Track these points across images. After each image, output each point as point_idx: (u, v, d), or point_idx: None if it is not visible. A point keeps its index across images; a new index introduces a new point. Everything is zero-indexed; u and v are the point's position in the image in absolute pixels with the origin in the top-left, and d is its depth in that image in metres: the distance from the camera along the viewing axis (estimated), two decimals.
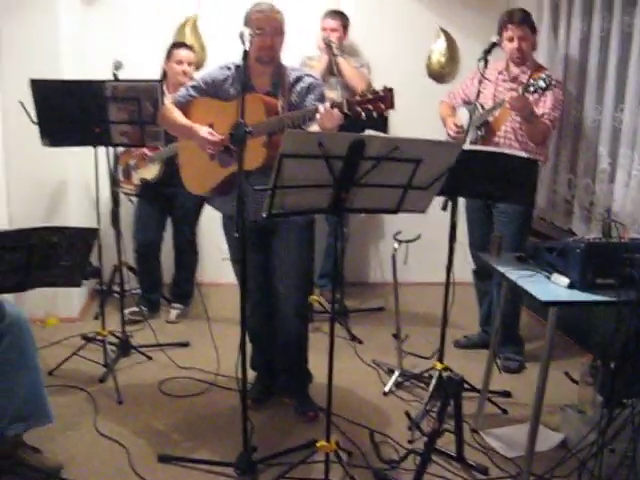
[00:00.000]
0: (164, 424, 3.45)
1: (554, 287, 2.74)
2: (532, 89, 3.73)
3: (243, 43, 2.82)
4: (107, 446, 3.22)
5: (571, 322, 4.51)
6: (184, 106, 3.34)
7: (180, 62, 4.68)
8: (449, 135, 4.22)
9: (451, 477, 3.00)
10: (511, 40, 4.03)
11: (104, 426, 3.39)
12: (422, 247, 4.33)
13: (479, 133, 4.10)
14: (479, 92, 3.85)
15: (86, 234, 2.73)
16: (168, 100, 3.61)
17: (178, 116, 3.30)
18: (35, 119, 3.75)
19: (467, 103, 4.25)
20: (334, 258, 2.99)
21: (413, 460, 3.04)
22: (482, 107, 4.09)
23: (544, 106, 3.95)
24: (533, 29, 4.09)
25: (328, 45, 4.93)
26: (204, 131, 3.16)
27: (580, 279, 2.67)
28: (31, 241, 2.52)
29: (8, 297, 3.05)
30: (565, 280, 2.71)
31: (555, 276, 2.78)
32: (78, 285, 2.86)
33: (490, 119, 4.07)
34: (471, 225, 4.31)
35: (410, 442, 3.26)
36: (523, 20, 4.01)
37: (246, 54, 2.82)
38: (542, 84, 3.70)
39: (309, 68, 4.77)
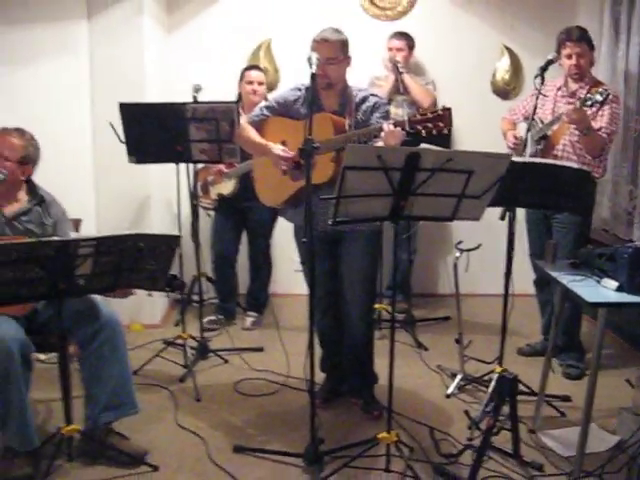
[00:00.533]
0: (239, 419, 3.71)
1: (603, 290, 2.90)
2: (589, 103, 3.86)
3: (310, 67, 3.05)
4: (186, 437, 3.49)
5: (633, 329, 4.62)
6: (258, 125, 3.61)
7: (251, 82, 4.99)
8: (508, 147, 4.37)
9: (507, 473, 3.13)
10: (569, 57, 4.18)
11: (184, 420, 3.67)
12: (484, 258, 4.53)
13: (538, 147, 4.24)
14: (535, 107, 4.02)
15: (169, 240, 3.01)
16: (243, 119, 3.88)
17: (253, 134, 3.57)
18: (123, 139, 4.09)
19: (527, 119, 4.39)
20: (402, 269, 3.19)
21: (471, 456, 3.19)
22: (541, 122, 4.25)
23: (601, 120, 4.07)
24: (591, 46, 4.23)
25: (395, 64, 5.16)
26: (277, 149, 3.42)
27: (628, 282, 2.82)
28: (122, 246, 2.82)
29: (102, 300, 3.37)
30: (614, 283, 2.87)
31: (605, 280, 2.94)
32: (162, 289, 3.15)
33: (549, 133, 4.21)
34: (531, 236, 4.45)
35: (469, 440, 3.43)
36: (581, 37, 4.16)
37: (314, 77, 3.05)
38: (599, 97, 3.82)
39: (377, 87, 5.02)
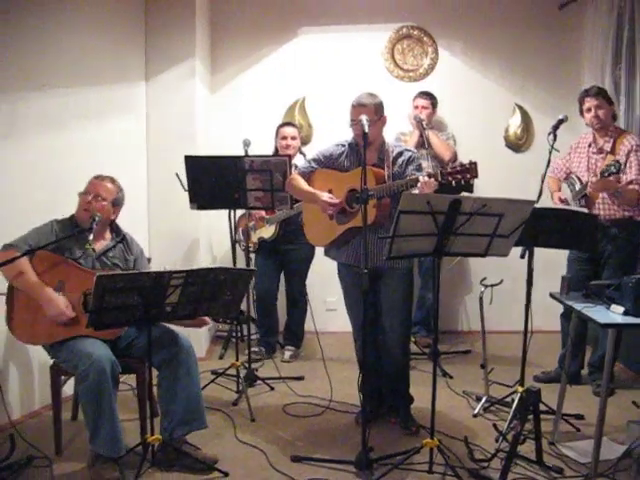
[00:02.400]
0: (291, 436, 4.17)
1: (612, 314, 3.40)
2: (606, 174, 4.33)
3: (362, 127, 3.56)
4: (248, 450, 3.95)
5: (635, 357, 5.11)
6: (307, 176, 4.15)
7: (285, 138, 5.54)
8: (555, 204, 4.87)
9: (532, 476, 3.59)
10: (589, 111, 4.70)
11: (243, 436, 4.13)
12: (503, 296, 5.01)
13: (581, 203, 4.71)
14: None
15: (245, 274, 3.53)
16: (294, 171, 4.42)
17: (303, 184, 4.10)
18: (186, 187, 4.63)
19: (568, 175, 4.91)
20: (428, 307, 3.64)
21: (500, 462, 3.64)
22: (578, 179, 4.75)
23: (631, 172, 4.51)
24: (609, 101, 4.73)
25: (419, 121, 5.72)
26: (325, 196, 3.94)
27: (633, 307, 3.31)
28: (206, 278, 3.32)
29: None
30: (621, 309, 3.37)
31: (613, 306, 3.44)
32: (235, 317, 3.65)
33: (588, 192, 4.65)
34: (570, 272, 4.78)
35: (497, 449, 3.88)
36: (598, 93, 4.69)
37: (365, 135, 3.54)
38: (613, 170, 4.29)
39: (402, 142, 5.55)
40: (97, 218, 3.74)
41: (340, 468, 3.68)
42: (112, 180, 3.94)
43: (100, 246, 3.91)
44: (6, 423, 3.86)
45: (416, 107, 5.89)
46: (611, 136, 4.70)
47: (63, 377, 3.96)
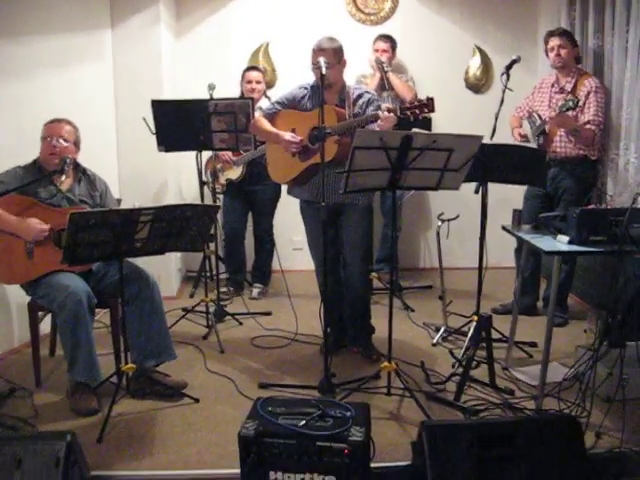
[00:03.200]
0: (259, 365, 4.40)
1: (558, 243, 3.62)
2: (565, 109, 4.52)
3: (319, 69, 3.70)
4: (217, 379, 4.17)
5: (587, 290, 5.38)
6: (271, 117, 4.30)
7: (250, 82, 5.68)
8: (515, 141, 5.05)
9: (484, 396, 3.83)
10: (552, 50, 4.88)
11: (212, 366, 4.35)
12: (463, 233, 5.23)
13: (539, 141, 4.90)
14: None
15: (210, 210, 3.70)
16: (257, 112, 4.57)
17: (267, 125, 4.26)
18: (153, 131, 4.76)
19: (530, 114, 5.06)
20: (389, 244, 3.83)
21: (455, 386, 3.87)
22: (539, 117, 4.92)
23: (589, 112, 4.73)
24: (573, 42, 4.89)
25: (380, 64, 5.85)
26: (287, 135, 4.11)
27: (577, 236, 3.52)
28: (173, 214, 3.49)
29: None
30: (566, 238, 3.59)
31: (559, 236, 3.66)
32: (201, 250, 3.83)
33: (547, 129, 4.85)
34: (525, 209, 4.97)
35: (453, 373, 4.13)
36: (562, 33, 4.87)
37: (323, 77, 3.70)
38: (571, 104, 4.47)
39: (364, 85, 5.70)
40: (68, 160, 3.88)
41: (304, 393, 3.88)
42: (68, 122, 4.05)
43: (66, 185, 4.04)
44: None
45: (376, 50, 6.01)
46: (573, 77, 4.88)
47: (40, 313, 4.13)
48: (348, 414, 2.78)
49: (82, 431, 3.36)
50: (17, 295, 4.37)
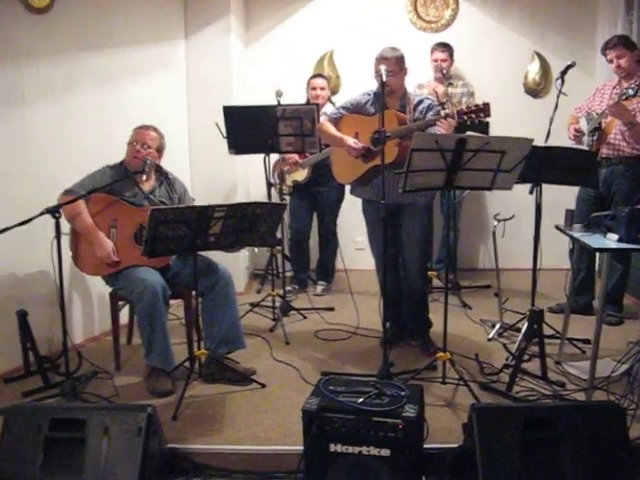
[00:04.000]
0: (322, 356, 4.66)
1: (607, 241, 3.79)
2: (624, 96, 4.64)
3: (380, 77, 3.95)
4: (283, 367, 4.45)
5: None
6: (335, 122, 4.55)
7: (314, 88, 5.95)
8: (569, 138, 5.19)
9: (536, 388, 4.01)
10: (611, 62, 5.00)
11: (278, 356, 4.63)
12: (518, 234, 5.41)
13: (593, 138, 5.04)
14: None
15: (278, 208, 3.98)
16: (323, 117, 4.85)
17: (332, 129, 4.52)
18: (225, 135, 5.08)
19: (588, 114, 5.16)
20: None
21: (508, 376, 4.09)
22: (596, 114, 5.03)
23: None
24: (631, 47, 4.95)
25: (442, 73, 6.05)
26: (351, 141, 4.36)
27: (626, 235, 3.69)
28: (244, 211, 3.78)
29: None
30: (615, 236, 3.76)
31: (609, 235, 3.83)
32: (270, 245, 4.12)
33: (603, 126, 5.00)
34: (578, 211, 5.05)
35: (505, 365, 4.32)
36: (616, 43, 4.95)
37: (383, 84, 3.95)
38: (630, 92, 4.59)
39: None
40: (148, 162, 4.22)
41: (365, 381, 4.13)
42: (155, 129, 4.41)
43: (148, 187, 4.39)
44: (70, 346, 4.24)
45: (435, 60, 6.18)
46: (636, 81, 4.86)
47: (120, 303, 4.48)
48: (403, 393, 3.02)
49: (158, 410, 3.61)
50: (98, 287, 4.75)
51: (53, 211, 3.72)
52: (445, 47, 6.24)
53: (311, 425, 2.92)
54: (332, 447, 2.93)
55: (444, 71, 6.05)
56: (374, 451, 2.89)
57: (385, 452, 2.88)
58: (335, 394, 3.02)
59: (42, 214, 3.72)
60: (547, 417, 2.96)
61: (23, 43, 4.45)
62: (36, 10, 4.49)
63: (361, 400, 2.96)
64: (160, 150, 4.42)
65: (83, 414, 3.10)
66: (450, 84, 6.07)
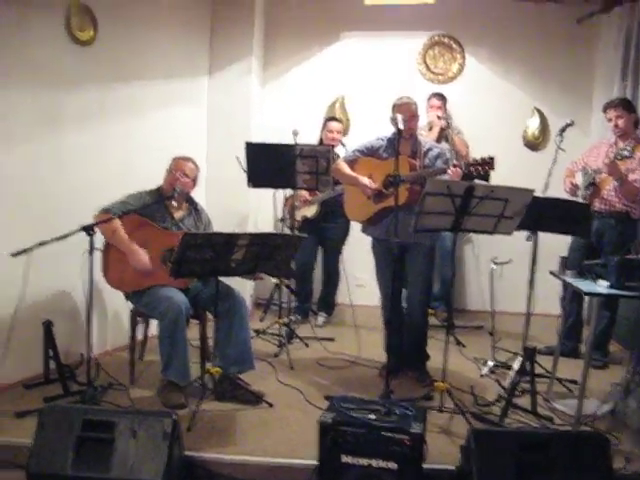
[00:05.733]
0: (324, 381, 4.93)
1: (598, 287, 4.10)
2: (619, 157, 5.04)
3: (397, 124, 4.30)
4: (288, 390, 4.72)
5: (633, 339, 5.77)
6: (351, 163, 4.89)
7: (331, 131, 6.29)
8: (565, 191, 5.51)
9: (526, 421, 4.27)
10: (610, 120, 5.35)
11: (283, 379, 4.91)
12: (516, 280, 5.69)
13: (588, 192, 5.36)
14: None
15: (296, 240, 4.28)
16: (339, 159, 5.19)
17: (347, 169, 4.85)
18: (245, 168, 5.40)
19: (584, 169, 5.48)
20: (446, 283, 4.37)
21: (500, 409, 4.37)
22: (592, 171, 5.35)
23: (638, 172, 5.13)
24: (630, 109, 5.32)
25: (446, 120, 6.40)
26: (365, 180, 4.70)
27: (616, 282, 4.01)
28: (265, 240, 4.08)
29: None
30: (605, 283, 4.08)
31: (599, 281, 4.15)
32: (283, 275, 4.42)
33: (597, 181, 5.31)
34: (571, 258, 5.31)
35: (498, 397, 4.60)
36: (617, 104, 5.33)
37: (400, 132, 4.29)
38: (626, 153, 5.02)
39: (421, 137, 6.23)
40: (178, 189, 4.55)
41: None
42: (193, 161, 4.78)
43: (178, 214, 4.72)
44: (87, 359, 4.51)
45: (431, 107, 6.60)
46: (631, 141, 5.28)
47: (138, 319, 4.78)
48: (410, 413, 3.31)
49: None
50: (114, 304, 5.08)
51: (88, 229, 4.03)
52: (440, 97, 6.67)
53: (326, 436, 3.21)
54: (344, 458, 3.22)
55: (450, 120, 6.41)
56: (382, 464, 3.19)
57: (392, 465, 3.17)
58: (348, 410, 3.32)
59: (78, 231, 4.03)
60: (540, 442, 3.25)
61: (65, 71, 4.85)
62: (81, 42, 4.92)
63: (372, 416, 3.25)
64: (195, 181, 4.78)
65: (113, 417, 3.37)
66: (448, 124, 6.42)
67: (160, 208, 4.62)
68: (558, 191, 5.37)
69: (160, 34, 5.74)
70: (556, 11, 6.91)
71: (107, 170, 5.19)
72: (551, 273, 4.66)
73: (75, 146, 4.96)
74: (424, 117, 6.48)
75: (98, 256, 4.42)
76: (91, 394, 4.15)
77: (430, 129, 6.56)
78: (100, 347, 5.28)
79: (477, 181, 4.16)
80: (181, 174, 4.65)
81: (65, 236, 4.01)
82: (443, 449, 3.84)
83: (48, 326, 4.47)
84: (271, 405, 4.41)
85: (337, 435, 3.21)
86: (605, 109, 5.41)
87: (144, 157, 5.00)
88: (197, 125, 6.36)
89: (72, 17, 4.81)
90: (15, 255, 3.86)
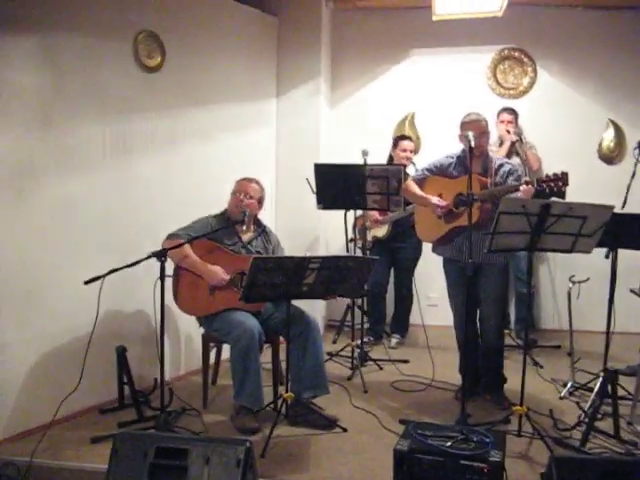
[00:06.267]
0: (399, 405, 4.86)
1: None
2: None
3: (468, 142, 4.23)
4: (362, 414, 4.65)
5: None
6: (420, 182, 4.83)
7: (404, 150, 6.23)
8: None
9: (609, 446, 4.13)
10: None
11: (357, 403, 4.84)
12: (592, 297, 5.55)
13: None
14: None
15: (368, 262, 4.23)
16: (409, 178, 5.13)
17: (417, 189, 4.79)
18: (314, 190, 5.38)
19: None
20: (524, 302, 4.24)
21: (581, 433, 4.23)
22: None
23: None
24: None
25: (518, 135, 6.30)
26: (435, 199, 4.62)
27: None
28: (337, 263, 4.04)
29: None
30: None
31: None
32: (358, 297, 4.36)
33: None
34: None
35: (579, 420, 4.45)
36: None
37: (472, 149, 4.22)
38: None
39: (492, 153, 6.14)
40: (247, 212, 4.56)
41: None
42: (257, 182, 4.77)
43: (246, 237, 4.73)
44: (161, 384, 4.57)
45: (502, 122, 6.50)
46: None
47: (211, 344, 4.77)
48: (487, 440, 3.21)
49: None
50: (186, 329, 5.11)
51: (159, 255, 4.05)
52: (512, 111, 6.58)
53: (402, 465, 3.14)
54: None
55: (521, 134, 6.30)
56: None
57: None
58: (424, 437, 3.24)
59: (149, 257, 4.05)
60: (625, 470, 3.10)
61: (134, 98, 4.93)
62: (148, 69, 5.01)
63: (449, 444, 3.17)
64: (261, 202, 4.76)
65: (186, 444, 3.34)
66: (519, 139, 6.29)
67: (228, 231, 4.64)
68: (638, 206, 5.20)
69: (227, 59, 5.80)
70: (629, 18, 6.77)
71: (177, 196, 5.25)
72: (632, 291, 4.51)
73: (145, 173, 5.04)
74: (494, 132, 6.40)
75: (169, 282, 4.45)
76: (164, 420, 4.15)
77: (500, 144, 6.47)
78: (173, 372, 5.32)
79: (554, 198, 4.04)
80: (245, 195, 4.66)
81: (136, 262, 4.03)
82: (523, 476, 3.74)
83: (122, 351, 4.52)
84: (345, 430, 4.35)
85: (414, 463, 3.13)
86: None
87: (214, 182, 5.04)
88: (266, 148, 6.39)
89: (140, 44, 4.91)
90: (87, 283, 3.89)
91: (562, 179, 4.12)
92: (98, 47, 4.63)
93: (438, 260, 4.96)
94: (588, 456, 3.84)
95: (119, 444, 3.36)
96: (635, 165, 4.95)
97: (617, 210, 4.46)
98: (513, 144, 6.35)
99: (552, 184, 4.13)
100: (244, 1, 6.01)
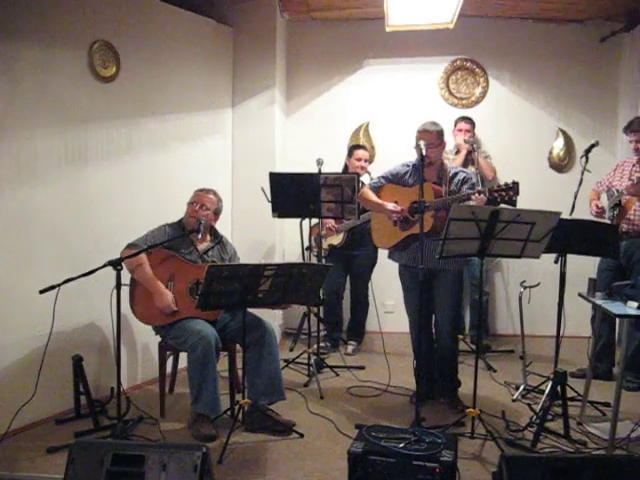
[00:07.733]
0: (355, 410, 4.91)
1: (628, 308, 4.06)
2: None
3: (420, 151, 4.29)
4: (318, 419, 4.70)
5: None
6: (376, 190, 4.89)
7: (359, 159, 6.29)
8: (591, 214, 5.51)
9: (559, 446, 4.24)
10: (631, 143, 5.33)
11: (314, 409, 4.89)
12: (542, 302, 5.67)
13: (614, 213, 5.34)
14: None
15: (323, 269, 4.28)
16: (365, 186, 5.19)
17: (373, 196, 4.84)
18: (269, 198, 5.43)
19: (608, 190, 5.47)
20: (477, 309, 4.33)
21: (532, 433, 4.33)
22: (617, 190, 5.34)
23: None
24: None
25: (472, 144, 6.39)
26: (390, 205, 4.68)
27: None
28: (292, 270, 4.09)
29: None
30: (635, 304, 4.04)
31: (629, 302, 4.11)
32: (314, 304, 4.41)
33: (623, 202, 5.29)
34: (600, 280, 5.28)
35: (530, 422, 4.55)
36: (637, 127, 5.28)
37: (423, 158, 4.28)
38: None
39: (447, 160, 6.23)
40: (203, 221, 4.59)
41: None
42: (214, 193, 4.80)
43: (202, 246, 4.75)
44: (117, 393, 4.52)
45: (460, 130, 6.63)
46: None
47: (167, 352, 4.79)
48: (440, 441, 3.29)
49: None
50: (143, 338, 5.13)
51: (115, 263, 4.06)
52: (469, 120, 6.70)
53: (356, 467, 3.19)
54: None
55: (475, 144, 6.39)
56: None
57: None
58: (378, 439, 3.30)
59: (105, 266, 4.06)
60: (574, 467, 3.18)
61: (89, 108, 4.93)
62: (104, 79, 5.01)
63: (402, 445, 3.23)
64: (217, 213, 4.80)
65: (143, 451, 3.36)
66: (474, 148, 6.41)
67: (185, 240, 4.67)
68: (585, 213, 5.35)
69: (183, 69, 5.82)
70: (578, 31, 6.94)
71: (134, 205, 5.27)
72: (580, 295, 4.62)
73: (102, 182, 5.04)
74: (451, 141, 6.53)
75: (126, 291, 4.46)
76: (121, 428, 4.16)
77: (457, 152, 6.59)
78: (130, 381, 5.32)
79: (503, 205, 4.14)
80: (200, 207, 4.69)
81: (92, 272, 4.04)
82: (475, 476, 3.83)
83: (78, 361, 4.52)
84: (302, 435, 4.40)
85: (367, 465, 3.19)
86: (625, 130, 5.40)
87: (171, 191, 5.07)
88: (222, 157, 6.41)
89: (95, 54, 4.91)
90: (43, 292, 3.90)
91: (513, 189, 4.21)
92: (53, 56, 4.63)
93: (394, 268, 5.02)
94: (537, 454, 3.93)
95: (75, 452, 3.35)
96: (582, 173, 5.07)
97: (566, 216, 4.61)
98: (469, 153, 6.45)
99: (503, 193, 4.23)
100: (199, 11, 6.04)
